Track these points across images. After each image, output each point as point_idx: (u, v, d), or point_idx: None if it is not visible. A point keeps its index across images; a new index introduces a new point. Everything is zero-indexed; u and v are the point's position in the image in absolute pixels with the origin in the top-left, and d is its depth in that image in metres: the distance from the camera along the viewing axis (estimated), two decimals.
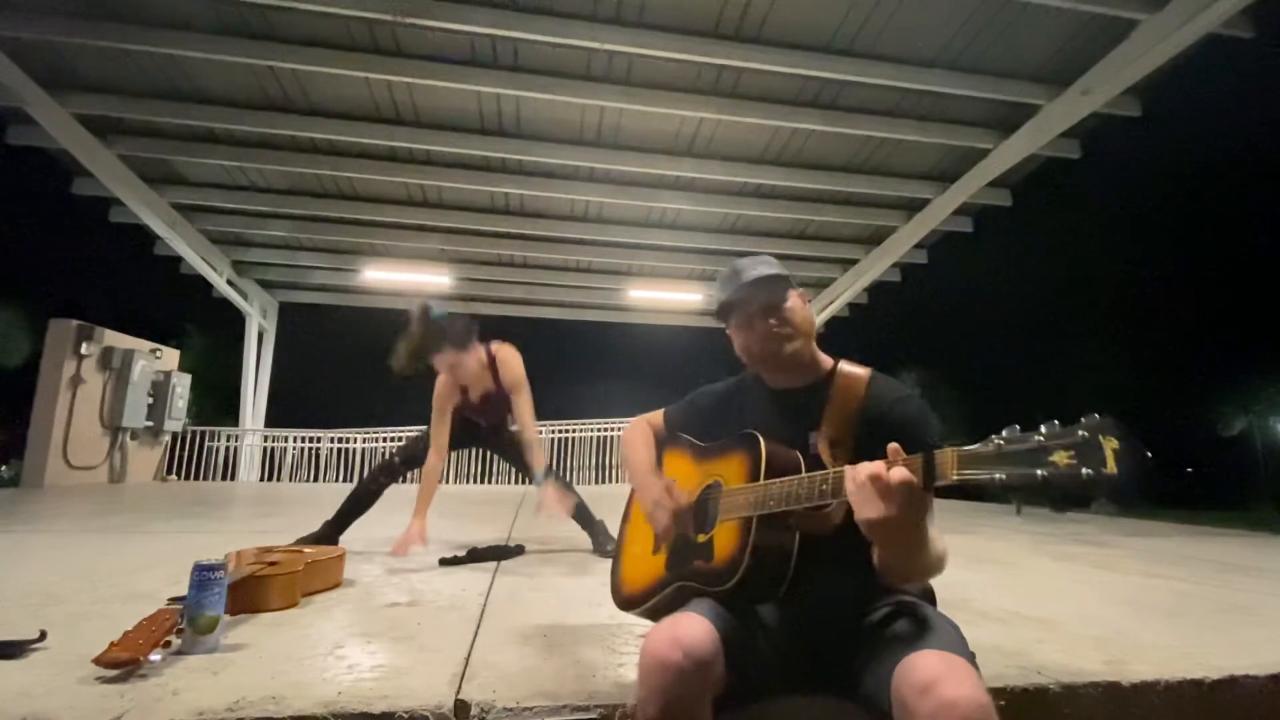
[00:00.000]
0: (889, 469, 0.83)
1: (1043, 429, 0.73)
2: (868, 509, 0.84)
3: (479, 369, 2.57)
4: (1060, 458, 0.70)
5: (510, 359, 2.59)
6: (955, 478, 0.79)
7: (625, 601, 1.26)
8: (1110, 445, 0.67)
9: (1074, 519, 4.60)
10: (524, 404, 2.59)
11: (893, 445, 0.87)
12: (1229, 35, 4.07)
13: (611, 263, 8.57)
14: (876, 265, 7.89)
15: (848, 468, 0.88)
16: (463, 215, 7.24)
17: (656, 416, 1.41)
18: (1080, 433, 0.70)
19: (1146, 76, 4.41)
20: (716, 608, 0.99)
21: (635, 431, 1.39)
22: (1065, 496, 0.71)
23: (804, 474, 0.99)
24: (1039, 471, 0.71)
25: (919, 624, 0.93)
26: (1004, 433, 0.76)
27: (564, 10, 4.24)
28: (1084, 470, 0.68)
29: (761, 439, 1.07)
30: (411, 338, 2.41)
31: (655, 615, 1.14)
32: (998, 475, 0.74)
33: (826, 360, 1.20)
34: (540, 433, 2.82)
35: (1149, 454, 0.67)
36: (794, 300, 1.17)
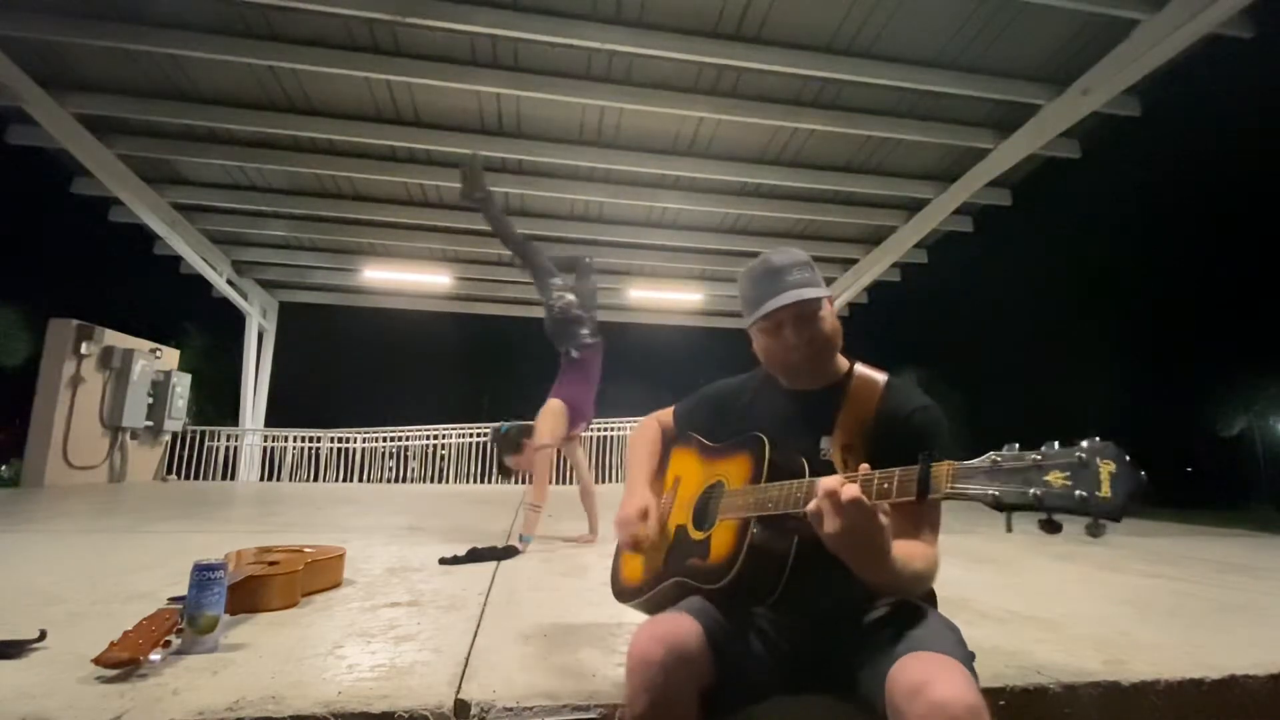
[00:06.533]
0: (843, 485, 0.83)
1: (1041, 449, 0.73)
2: (823, 523, 0.84)
3: None
4: (1055, 478, 0.70)
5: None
6: (949, 490, 0.79)
7: (622, 592, 1.26)
8: (1107, 469, 0.67)
9: (1074, 519, 4.58)
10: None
11: (864, 465, 0.87)
12: (1229, 35, 4.07)
13: (612, 263, 8.54)
14: (876, 265, 7.89)
15: (818, 480, 0.88)
16: (463, 215, 7.22)
17: (667, 414, 1.40)
18: (1077, 454, 0.70)
19: (1146, 76, 4.40)
20: (707, 607, 0.99)
21: (643, 435, 1.38)
22: (1058, 517, 0.70)
23: (793, 480, 0.98)
24: (1032, 490, 0.71)
25: (915, 626, 0.92)
26: (1003, 449, 0.76)
27: (564, 10, 4.23)
28: (1077, 492, 0.68)
29: (767, 442, 1.07)
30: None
31: (653, 609, 1.14)
32: (991, 491, 0.74)
33: (843, 362, 1.17)
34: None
35: (1145, 478, 0.67)
36: (826, 309, 1.12)
